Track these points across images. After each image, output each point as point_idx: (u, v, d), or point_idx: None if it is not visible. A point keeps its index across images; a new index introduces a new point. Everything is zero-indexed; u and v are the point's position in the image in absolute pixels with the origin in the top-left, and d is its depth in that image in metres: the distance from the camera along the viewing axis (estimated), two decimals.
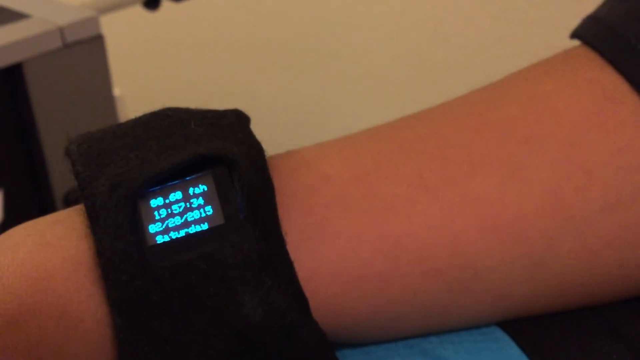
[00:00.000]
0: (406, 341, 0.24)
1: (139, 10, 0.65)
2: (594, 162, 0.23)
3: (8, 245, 0.22)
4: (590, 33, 0.25)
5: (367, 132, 0.25)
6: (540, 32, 0.69)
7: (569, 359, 0.24)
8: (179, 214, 0.21)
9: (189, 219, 0.21)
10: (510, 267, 0.23)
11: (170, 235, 0.21)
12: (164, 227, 0.21)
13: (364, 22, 0.81)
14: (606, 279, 0.24)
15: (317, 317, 0.22)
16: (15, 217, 0.53)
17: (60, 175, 0.55)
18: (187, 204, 0.21)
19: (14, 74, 0.51)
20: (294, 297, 0.21)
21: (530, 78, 0.25)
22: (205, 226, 0.21)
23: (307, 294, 0.21)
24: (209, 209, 0.21)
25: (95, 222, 0.21)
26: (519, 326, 0.25)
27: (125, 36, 0.97)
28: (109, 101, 0.57)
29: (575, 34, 0.26)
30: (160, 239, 0.21)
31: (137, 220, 0.21)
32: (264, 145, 0.23)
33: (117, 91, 0.62)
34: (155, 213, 0.21)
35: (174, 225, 0.21)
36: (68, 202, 0.55)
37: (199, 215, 0.21)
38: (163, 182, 0.21)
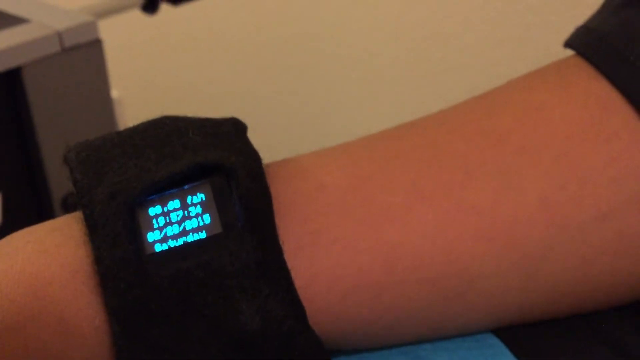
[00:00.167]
0: (401, 348, 0.25)
1: (137, 12, 0.66)
2: (588, 172, 0.23)
3: (7, 252, 0.22)
4: (583, 43, 0.26)
5: (363, 140, 0.25)
6: (537, 36, 0.69)
7: None
8: (177, 222, 0.21)
9: (187, 228, 0.21)
10: (504, 275, 0.23)
11: (168, 243, 0.21)
12: (162, 235, 0.21)
13: (363, 25, 0.81)
14: (599, 287, 0.24)
15: (314, 325, 0.22)
16: (13, 221, 0.54)
17: (59, 178, 0.55)
18: (185, 212, 0.22)
19: (13, 78, 0.52)
20: (291, 305, 0.21)
21: (525, 88, 0.25)
22: (203, 235, 0.21)
23: (304, 301, 0.22)
24: (206, 218, 0.22)
25: (94, 230, 0.21)
26: (513, 333, 0.25)
27: (123, 38, 0.97)
28: (107, 105, 0.57)
29: (568, 44, 0.26)
30: (158, 248, 0.21)
31: (135, 229, 0.21)
32: (263, 147, 0.23)
33: (115, 93, 0.62)
34: (154, 221, 0.21)
35: (172, 233, 0.21)
36: (66, 206, 0.56)
37: (197, 224, 0.21)
38: (161, 190, 0.22)
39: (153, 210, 0.21)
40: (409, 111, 0.82)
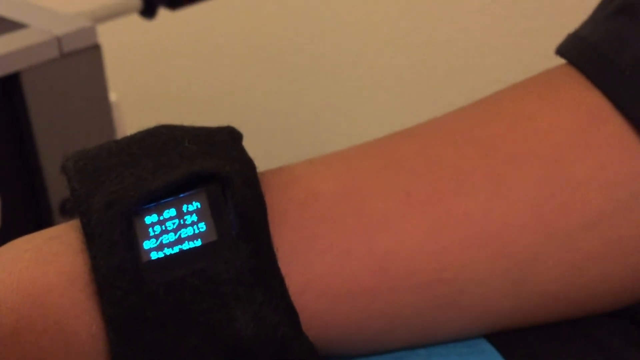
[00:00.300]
0: (394, 353, 0.25)
1: (135, 17, 0.66)
2: (577, 180, 0.23)
3: (5, 260, 0.22)
4: (574, 52, 0.26)
5: (356, 148, 0.26)
6: (533, 42, 0.70)
7: None
8: (173, 230, 0.22)
9: (182, 236, 0.22)
10: (495, 281, 0.24)
11: (164, 251, 0.22)
12: (158, 243, 0.22)
13: (359, 30, 0.82)
14: (589, 293, 0.25)
15: (307, 331, 0.22)
16: (12, 225, 0.54)
17: (57, 183, 0.55)
18: (181, 220, 0.22)
19: (12, 83, 0.52)
20: (285, 312, 0.22)
21: (516, 97, 0.26)
22: (198, 242, 0.22)
23: (298, 308, 0.22)
24: (202, 226, 0.22)
25: (91, 238, 0.21)
26: (505, 338, 0.26)
27: (121, 42, 0.97)
28: (105, 109, 0.57)
29: (559, 52, 0.27)
30: (154, 255, 0.21)
31: (132, 237, 0.21)
32: (260, 151, 0.24)
33: (113, 97, 0.63)
34: (150, 230, 0.22)
35: (168, 241, 0.22)
36: (65, 210, 0.56)
37: (193, 232, 0.22)
38: (157, 199, 0.22)
39: (149, 219, 0.22)
40: (405, 117, 0.82)
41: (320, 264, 0.23)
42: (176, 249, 0.22)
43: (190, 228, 0.22)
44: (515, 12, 0.70)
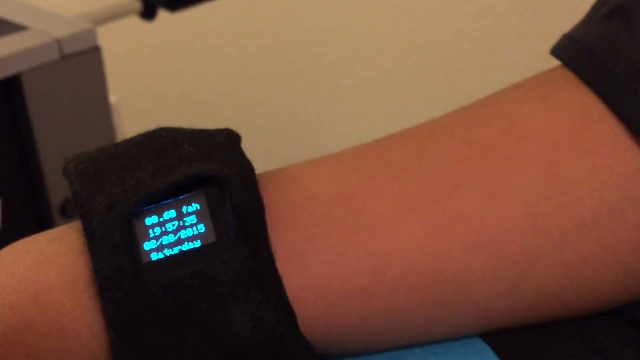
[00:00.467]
0: (391, 352, 0.25)
1: (135, 19, 0.66)
2: (571, 181, 0.24)
3: (7, 261, 0.22)
4: (569, 54, 0.26)
5: (353, 150, 0.26)
6: (530, 44, 0.70)
7: None
8: (173, 231, 0.22)
9: (182, 237, 0.22)
10: (490, 281, 0.24)
11: (164, 252, 0.22)
12: (158, 244, 0.22)
13: (357, 32, 0.82)
14: (583, 293, 0.25)
15: (305, 331, 0.23)
16: (12, 226, 0.54)
17: (57, 184, 0.55)
18: (181, 222, 0.22)
19: (12, 85, 0.52)
20: (282, 312, 0.22)
21: (511, 99, 0.26)
22: (197, 243, 0.22)
23: (295, 308, 0.22)
24: (201, 227, 0.22)
25: (92, 240, 0.21)
26: (500, 338, 0.26)
27: (120, 43, 0.98)
28: (105, 111, 0.57)
29: (554, 52, 0.27)
30: (154, 256, 0.22)
31: (132, 238, 0.22)
32: (260, 152, 0.24)
33: (113, 99, 0.63)
34: (150, 231, 0.22)
35: (167, 242, 0.22)
36: (64, 212, 0.56)
37: (192, 233, 0.22)
38: (157, 201, 0.22)
39: (149, 220, 0.22)
40: (404, 117, 0.82)
41: (318, 265, 0.23)
42: (176, 250, 0.22)
43: (189, 229, 0.22)
44: (514, 14, 0.70)
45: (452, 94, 0.76)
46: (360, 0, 0.80)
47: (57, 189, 0.55)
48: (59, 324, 0.21)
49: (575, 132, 0.24)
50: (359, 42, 0.82)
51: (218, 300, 0.21)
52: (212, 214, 0.22)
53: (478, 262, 0.24)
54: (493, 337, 0.26)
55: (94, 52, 0.55)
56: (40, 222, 0.57)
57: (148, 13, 0.65)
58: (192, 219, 0.22)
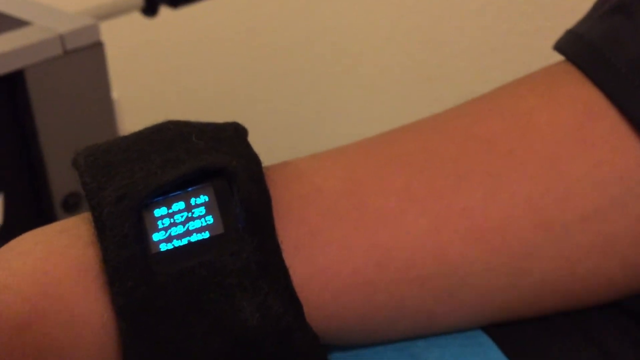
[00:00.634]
0: (395, 344, 0.26)
1: (137, 15, 0.66)
2: (573, 175, 0.24)
3: (17, 252, 0.23)
4: (572, 49, 0.26)
5: (358, 144, 0.26)
6: (530, 43, 0.70)
7: None
8: (182, 223, 0.22)
9: (190, 228, 0.22)
10: (493, 274, 0.24)
11: (173, 243, 0.22)
12: (167, 235, 0.22)
13: (357, 30, 0.82)
14: (584, 286, 0.25)
15: (310, 321, 0.23)
16: (15, 221, 0.54)
17: (60, 179, 0.56)
18: (189, 213, 0.22)
19: (15, 80, 0.52)
20: (289, 302, 0.22)
21: (514, 94, 0.26)
22: (206, 235, 0.22)
23: (301, 299, 0.23)
24: (209, 219, 0.22)
25: (102, 231, 0.22)
26: (502, 331, 0.26)
27: (123, 40, 0.98)
28: (108, 107, 0.58)
29: (557, 47, 0.27)
30: (163, 247, 0.22)
31: (141, 230, 0.22)
32: (261, 149, 0.24)
33: (115, 95, 0.63)
34: (159, 222, 0.22)
35: (176, 233, 0.22)
36: (67, 206, 0.56)
37: (200, 225, 0.22)
38: (166, 192, 0.23)
39: (158, 212, 0.22)
40: (404, 115, 0.83)
41: (323, 257, 0.23)
42: (185, 241, 0.22)
43: (198, 221, 0.22)
44: (515, 12, 0.70)
45: (453, 92, 0.77)
46: None
47: (60, 184, 0.56)
48: (69, 314, 0.22)
49: (578, 126, 0.24)
50: (361, 40, 0.83)
51: (226, 290, 0.22)
52: (220, 206, 0.22)
53: (481, 255, 0.24)
54: (495, 330, 0.26)
55: (97, 48, 0.55)
56: (42, 217, 0.57)
57: (150, 9, 0.66)
58: (200, 211, 0.22)
